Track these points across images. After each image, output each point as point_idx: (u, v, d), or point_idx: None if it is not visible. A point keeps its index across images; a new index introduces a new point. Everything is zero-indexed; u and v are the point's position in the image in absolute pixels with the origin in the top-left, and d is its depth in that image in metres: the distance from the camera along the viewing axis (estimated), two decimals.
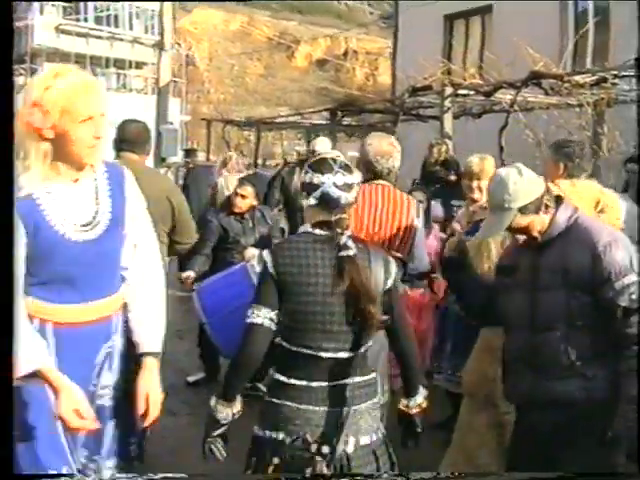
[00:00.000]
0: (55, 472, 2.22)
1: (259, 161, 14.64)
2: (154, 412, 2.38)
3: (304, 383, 2.45)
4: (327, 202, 2.47)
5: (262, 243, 5.26)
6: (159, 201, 3.78)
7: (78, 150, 2.21)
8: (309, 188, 2.50)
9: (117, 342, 2.41)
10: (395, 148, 3.69)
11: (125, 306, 2.43)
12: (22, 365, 2.09)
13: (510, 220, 2.69)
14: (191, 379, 5.44)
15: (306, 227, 2.55)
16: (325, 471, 2.39)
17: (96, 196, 2.32)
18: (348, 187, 2.49)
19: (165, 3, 15.88)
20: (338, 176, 2.48)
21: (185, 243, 4.27)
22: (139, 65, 30.45)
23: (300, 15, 49.62)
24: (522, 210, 2.68)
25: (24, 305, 2.17)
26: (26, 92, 2.20)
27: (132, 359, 2.42)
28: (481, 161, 4.20)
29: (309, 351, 2.44)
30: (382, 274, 2.51)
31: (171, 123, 15.18)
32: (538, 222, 2.72)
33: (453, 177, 5.89)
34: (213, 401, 2.48)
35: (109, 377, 2.39)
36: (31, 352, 2.13)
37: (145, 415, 2.37)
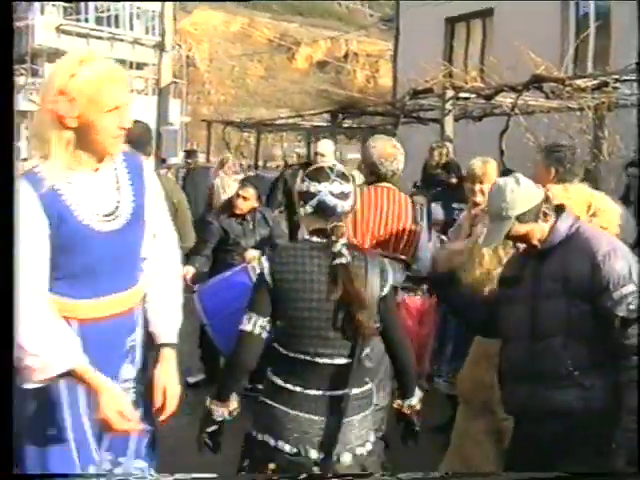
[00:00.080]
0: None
1: (259, 163, 14.65)
2: (171, 406, 2.29)
3: (299, 390, 2.45)
4: (323, 210, 2.49)
5: (262, 245, 5.28)
6: None
7: (102, 140, 2.15)
8: (306, 196, 2.52)
9: (139, 334, 2.33)
10: (399, 150, 3.71)
11: (144, 297, 2.36)
12: (55, 364, 2.03)
13: (508, 228, 2.69)
14: (191, 380, 5.43)
15: (304, 234, 2.58)
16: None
17: (117, 186, 2.25)
18: (344, 196, 2.51)
19: (166, 4, 15.90)
20: (335, 185, 2.50)
21: (182, 247, 4.24)
22: (140, 66, 30.52)
23: (301, 17, 49.65)
24: (520, 218, 2.67)
25: (50, 302, 2.09)
26: (49, 78, 2.13)
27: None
28: (484, 164, 4.19)
29: (306, 357, 2.45)
30: (378, 282, 2.51)
31: (171, 124, 15.20)
32: (537, 230, 2.72)
33: (454, 180, 5.87)
34: (208, 401, 2.50)
35: (131, 370, 2.30)
36: (65, 350, 2.05)
37: (162, 409, 2.28)
